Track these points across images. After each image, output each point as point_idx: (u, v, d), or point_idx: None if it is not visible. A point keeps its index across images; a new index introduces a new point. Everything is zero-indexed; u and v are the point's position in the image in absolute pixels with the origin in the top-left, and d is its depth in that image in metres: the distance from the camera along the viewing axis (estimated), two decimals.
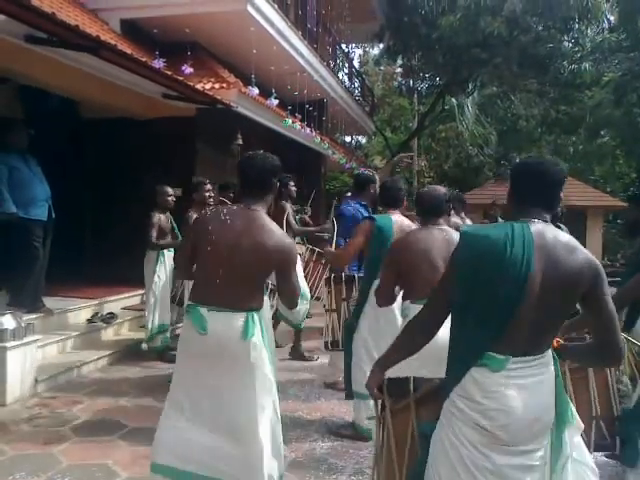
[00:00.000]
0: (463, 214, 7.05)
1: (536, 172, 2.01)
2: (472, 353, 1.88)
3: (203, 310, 2.67)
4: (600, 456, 3.28)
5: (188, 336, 2.76)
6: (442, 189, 3.56)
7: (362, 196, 5.31)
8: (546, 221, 1.98)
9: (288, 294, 2.87)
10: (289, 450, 3.93)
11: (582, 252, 1.92)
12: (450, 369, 1.95)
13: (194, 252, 2.76)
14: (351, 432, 4.24)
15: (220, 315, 2.66)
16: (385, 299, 3.43)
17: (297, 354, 6.34)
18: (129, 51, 6.33)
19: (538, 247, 1.87)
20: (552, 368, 1.97)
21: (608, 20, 15.21)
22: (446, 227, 3.45)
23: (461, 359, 1.91)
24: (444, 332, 2.02)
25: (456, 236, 3.34)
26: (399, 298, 3.43)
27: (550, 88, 16.59)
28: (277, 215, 6.16)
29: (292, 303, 2.94)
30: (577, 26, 14.25)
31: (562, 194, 2.04)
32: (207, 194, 5.67)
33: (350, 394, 4.21)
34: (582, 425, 2.10)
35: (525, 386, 1.86)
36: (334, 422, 4.53)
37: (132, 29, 8.44)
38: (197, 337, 2.68)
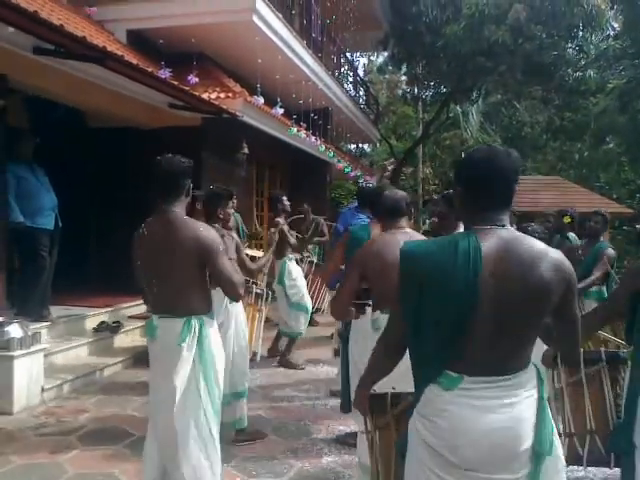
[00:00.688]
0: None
1: (485, 170, 1.79)
2: (426, 370, 1.81)
3: (155, 317, 2.83)
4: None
5: (148, 345, 2.94)
6: (401, 192, 3.42)
7: (366, 209, 5.32)
8: (503, 225, 1.79)
9: (224, 284, 2.82)
10: (295, 459, 3.94)
11: (549, 258, 1.75)
12: (414, 387, 1.88)
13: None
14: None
15: (163, 321, 2.80)
16: (338, 311, 3.24)
17: (285, 361, 6.37)
18: (135, 61, 6.39)
19: (489, 259, 1.72)
20: (530, 392, 1.79)
21: (612, 27, 15.23)
22: (409, 230, 3.30)
23: (418, 376, 1.85)
24: None
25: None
26: None
27: (555, 95, 16.60)
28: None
29: (234, 293, 2.87)
30: (581, 34, 14.27)
31: (516, 186, 1.83)
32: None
33: (346, 406, 3.99)
34: (563, 462, 1.89)
35: (484, 408, 1.73)
36: (340, 431, 4.52)
37: (138, 40, 8.50)
38: (150, 344, 2.88)
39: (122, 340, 6.62)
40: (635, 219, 20.63)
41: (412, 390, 1.91)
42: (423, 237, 3.37)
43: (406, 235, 3.12)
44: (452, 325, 1.73)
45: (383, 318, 3.00)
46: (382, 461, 2.13)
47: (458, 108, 19.93)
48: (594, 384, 2.87)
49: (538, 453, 1.77)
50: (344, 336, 3.97)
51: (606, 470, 3.52)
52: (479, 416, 1.72)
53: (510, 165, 1.79)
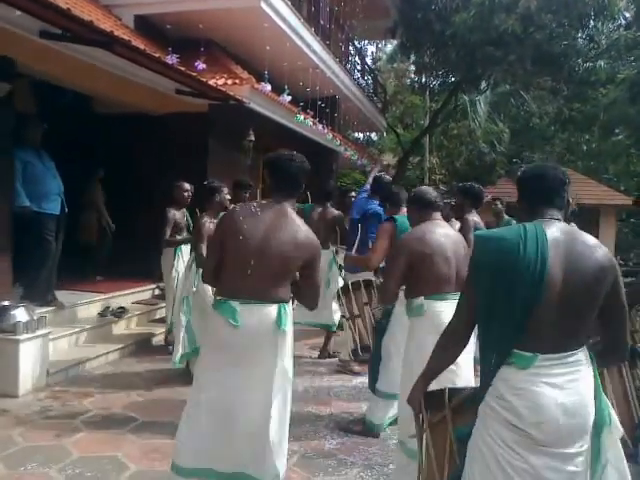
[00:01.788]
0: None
1: (540, 177, 2.09)
2: (499, 353, 1.91)
3: (235, 303, 2.69)
4: None
5: (217, 330, 2.76)
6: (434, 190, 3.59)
7: (378, 197, 5.37)
8: (559, 219, 2.00)
9: (312, 292, 2.87)
10: (298, 445, 3.96)
11: (603, 249, 1.95)
12: (482, 372, 1.98)
13: (222, 249, 2.76)
14: (361, 428, 4.24)
15: (253, 307, 2.69)
16: (394, 296, 3.39)
17: (326, 354, 6.37)
18: (142, 47, 6.36)
19: (554, 246, 1.89)
20: (589, 368, 1.96)
21: (624, 17, 15.04)
22: (444, 222, 3.46)
23: (490, 360, 1.94)
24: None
25: (454, 231, 3.42)
26: None
27: (564, 86, 16.43)
28: (335, 221, 6.34)
29: (314, 302, 2.92)
30: (593, 23, 14.10)
31: (569, 196, 2.09)
32: (227, 197, 5.28)
33: (373, 387, 4.14)
34: (621, 429, 2.07)
35: (556, 384, 1.86)
36: (343, 418, 4.54)
37: (145, 25, 8.48)
38: (229, 331, 2.68)
39: (127, 326, 6.66)
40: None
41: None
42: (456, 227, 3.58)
43: (442, 225, 3.33)
44: (523, 307, 1.86)
45: (428, 303, 3.15)
46: (436, 456, 2.15)
47: (466, 97, 19.79)
48: (615, 378, 2.88)
49: (598, 424, 1.96)
50: (382, 325, 4.05)
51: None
52: (554, 392, 1.85)
53: (556, 175, 2.08)
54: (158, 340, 6.49)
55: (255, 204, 2.81)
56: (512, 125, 21.67)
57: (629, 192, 21.11)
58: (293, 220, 2.76)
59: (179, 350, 5.13)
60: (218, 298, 2.80)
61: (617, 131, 21.26)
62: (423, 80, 18.87)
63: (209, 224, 4.83)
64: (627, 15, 15.37)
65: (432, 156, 23.71)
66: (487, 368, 1.95)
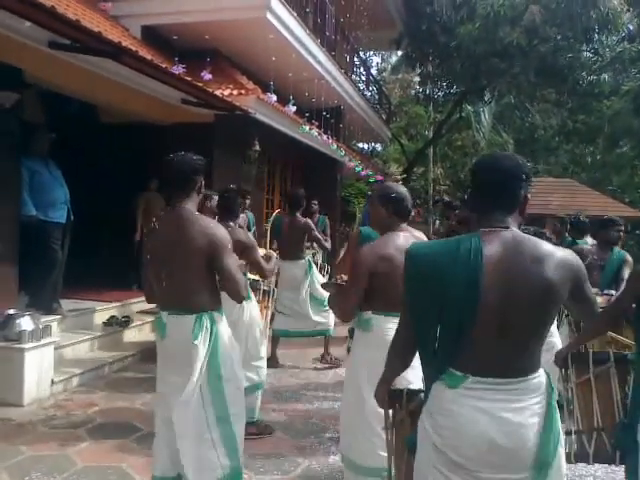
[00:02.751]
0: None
1: (489, 171, 1.88)
2: (433, 369, 1.84)
3: (164, 314, 2.81)
4: None
5: (156, 342, 2.93)
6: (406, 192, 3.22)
7: None
8: (506, 227, 1.81)
9: (228, 282, 2.80)
10: (302, 457, 3.95)
11: (555, 259, 1.76)
12: (424, 386, 1.92)
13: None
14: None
15: (174, 318, 2.78)
16: (347, 312, 3.09)
17: (325, 360, 6.38)
18: (149, 57, 6.40)
19: (491, 264, 1.74)
20: (538, 399, 1.78)
21: (628, 30, 15.09)
22: (411, 230, 3.19)
23: (426, 374, 1.89)
24: None
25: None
26: None
27: (568, 98, 16.49)
28: (305, 229, 6.29)
29: (236, 293, 2.84)
30: (597, 36, 14.16)
31: (525, 191, 1.86)
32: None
33: None
34: (564, 471, 1.89)
35: (485, 410, 1.73)
36: None
37: (152, 35, 8.53)
38: (159, 341, 2.87)
39: (132, 335, 6.66)
40: None
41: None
42: (424, 236, 3.33)
43: (409, 236, 3.05)
44: (455, 324, 1.75)
45: (376, 319, 2.98)
46: (395, 457, 2.18)
47: (470, 109, 19.85)
48: (602, 384, 2.90)
49: (542, 462, 1.77)
50: (351, 333, 3.98)
51: (607, 469, 3.66)
52: (480, 417, 1.73)
53: (513, 170, 1.84)
54: None
55: (156, 219, 2.87)
56: (516, 136, 21.72)
57: (634, 204, 21.08)
58: (186, 219, 2.74)
59: None
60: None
61: (621, 143, 21.27)
62: (427, 91, 18.94)
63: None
64: (631, 28, 15.42)
65: (436, 167, 23.75)
66: (425, 383, 1.90)
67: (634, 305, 2.64)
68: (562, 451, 1.87)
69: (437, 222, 16.40)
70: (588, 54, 15.31)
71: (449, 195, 21.39)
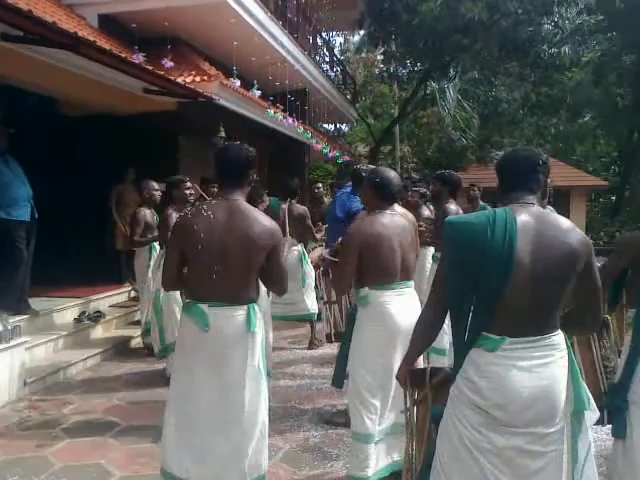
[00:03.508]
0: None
1: (511, 160, 2.16)
2: (469, 335, 1.95)
3: (204, 306, 2.67)
4: None
5: (188, 333, 2.74)
6: (398, 177, 3.47)
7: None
8: (532, 203, 2.03)
9: (279, 278, 2.83)
10: (283, 441, 3.97)
11: (577, 232, 1.97)
12: (455, 354, 2.03)
13: (183, 256, 2.73)
14: (345, 420, 4.25)
15: (222, 310, 2.67)
16: (343, 287, 3.43)
17: (315, 345, 6.41)
18: (108, 47, 6.26)
19: (523, 230, 1.91)
20: (563, 352, 1.99)
21: (586, 2, 15.23)
22: (399, 211, 3.44)
23: (461, 342, 1.99)
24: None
25: (406, 220, 3.37)
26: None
27: (530, 71, 16.63)
28: (299, 217, 6.35)
29: (283, 288, 2.89)
30: (556, 9, 14.28)
31: (544, 176, 2.12)
32: (187, 192, 5.44)
33: (339, 382, 4.14)
34: (598, 412, 2.15)
35: (525, 367, 1.89)
36: (327, 411, 4.56)
37: (110, 24, 8.34)
38: (198, 334, 2.67)
39: (104, 330, 6.59)
40: (610, 191, 20.97)
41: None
42: (412, 217, 3.51)
43: (393, 215, 3.28)
44: (492, 290, 1.90)
45: (372, 294, 3.19)
46: (417, 432, 2.27)
47: (435, 85, 19.88)
48: (583, 349, 2.97)
49: (577, 410, 2.02)
50: (352, 315, 4.02)
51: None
52: (521, 375, 1.89)
53: (533, 158, 2.12)
54: (137, 342, 6.43)
55: (205, 206, 2.74)
56: (481, 111, 21.82)
57: (597, 173, 21.48)
58: (246, 213, 2.70)
59: (157, 347, 5.34)
60: (187, 301, 2.79)
61: (583, 113, 21.58)
62: (392, 69, 18.89)
63: (174, 217, 4.92)
64: (589, 0, 15.57)
65: (403, 145, 23.81)
66: (458, 350, 2.00)
67: (630, 271, 2.78)
68: (591, 396, 2.14)
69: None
70: (548, 27, 15.41)
71: (417, 172, 21.50)
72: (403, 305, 3.24)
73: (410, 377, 2.28)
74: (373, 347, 3.20)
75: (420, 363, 2.56)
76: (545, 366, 1.92)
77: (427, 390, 2.22)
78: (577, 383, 2.05)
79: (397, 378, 2.34)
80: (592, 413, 2.12)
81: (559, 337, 1.99)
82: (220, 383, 2.68)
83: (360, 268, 3.19)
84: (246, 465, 2.69)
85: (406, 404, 2.33)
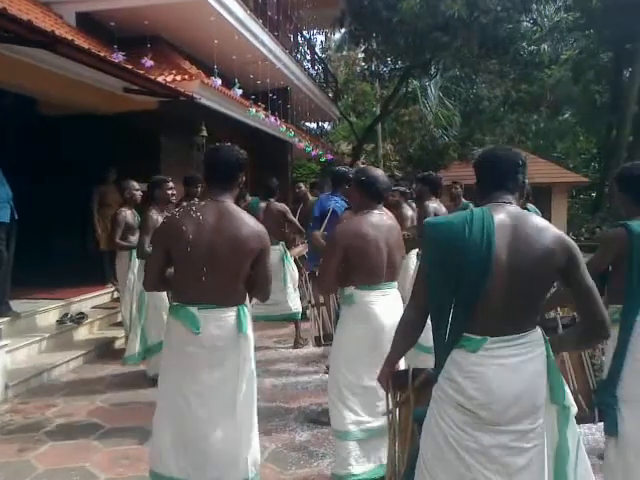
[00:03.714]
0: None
1: (491, 159, 2.15)
2: (450, 336, 1.95)
3: (193, 309, 2.62)
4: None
5: (176, 336, 2.70)
6: (387, 178, 3.45)
7: (340, 191, 5.30)
8: (510, 202, 2.03)
9: (264, 283, 2.81)
10: (269, 441, 3.95)
11: (552, 231, 1.96)
12: (436, 355, 2.02)
13: (168, 257, 2.68)
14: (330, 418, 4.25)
15: (212, 312, 2.64)
16: (327, 286, 3.40)
17: (300, 344, 6.39)
18: (86, 45, 6.20)
19: (501, 229, 1.92)
20: (542, 349, 2.00)
21: (564, 0, 15.40)
22: (385, 211, 3.41)
23: (442, 344, 1.98)
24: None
25: (392, 220, 3.37)
26: None
27: (510, 69, 16.78)
28: (278, 215, 6.36)
29: (267, 293, 2.87)
30: (535, 7, 14.41)
31: (523, 176, 2.11)
32: (170, 192, 5.37)
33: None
34: (575, 407, 2.15)
35: (507, 365, 1.90)
36: (312, 410, 4.56)
37: (88, 22, 8.25)
38: (189, 337, 2.63)
39: (87, 331, 6.52)
40: (591, 188, 21.20)
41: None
42: (393, 218, 3.48)
43: (379, 214, 3.27)
44: (471, 290, 1.90)
45: (357, 294, 3.19)
46: (400, 434, 2.26)
47: (416, 83, 19.97)
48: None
49: (555, 402, 2.05)
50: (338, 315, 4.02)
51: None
52: (505, 374, 1.90)
53: (512, 158, 2.11)
54: (120, 344, 6.37)
55: (194, 207, 2.68)
56: (463, 108, 21.96)
57: (577, 169, 21.70)
58: (235, 216, 2.67)
59: (134, 348, 5.22)
60: (174, 303, 2.74)
61: (563, 110, 21.81)
62: (373, 67, 18.94)
63: (156, 217, 4.94)
64: None
65: (386, 143, 23.89)
66: (440, 351, 2.00)
67: (610, 268, 2.84)
68: (568, 391, 2.17)
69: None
70: (527, 24, 15.58)
71: (399, 170, 21.58)
72: (387, 305, 3.24)
73: (392, 379, 2.27)
74: (356, 346, 3.20)
75: (402, 365, 2.54)
76: (528, 362, 1.93)
77: (409, 392, 2.21)
78: (553, 376, 2.06)
79: (379, 380, 2.32)
80: (568, 407, 2.13)
81: (537, 333, 2.00)
82: (212, 384, 2.66)
83: (346, 267, 3.19)
84: (248, 461, 2.70)
85: (388, 406, 2.32)
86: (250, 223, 2.68)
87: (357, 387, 3.20)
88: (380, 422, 3.20)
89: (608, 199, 18.81)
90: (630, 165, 3.00)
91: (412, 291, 2.17)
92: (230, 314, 2.67)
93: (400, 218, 5.35)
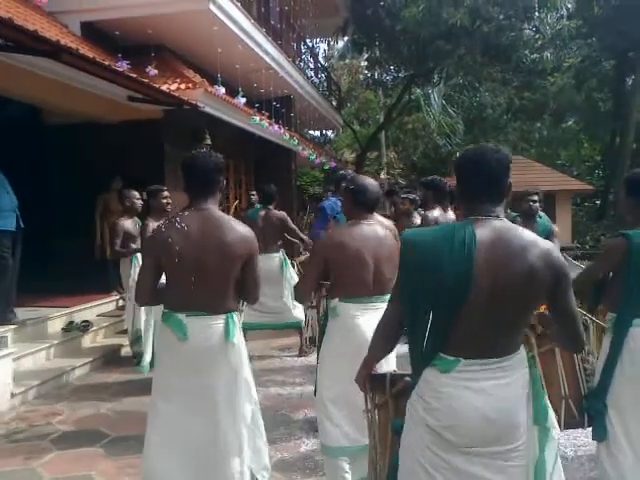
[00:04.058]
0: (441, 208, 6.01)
1: (476, 161, 1.91)
2: (424, 355, 1.88)
3: (181, 316, 2.64)
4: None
5: (167, 344, 2.72)
6: (378, 186, 3.38)
7: (339, 193, 5.34)
8: (497, 216, 1.88)
9: (253, 286, 2.80)
10: (274, 450, 3.92)
11: (539, 248, 1.82)
12: (412, 370, 1.96)
13: (157, 270, 2.70)
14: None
15: (200, 319, 2.65)
16: (305, 293, 3.30)
17: (305, 352, 6.32)
18: (91, 54, 6.22)
19: (483, 248, 1.80)
20: (523, 372, 1.90)
21: (567, 8, 15.45)
22: (377, 221, 3.32)
23: (417, 357, 1.91)
24: None
25: (385, 231, 3.23)
26: None
27: (513, 76, 16.82)
28: (277, 222, 6.28)
29: (255, 297, 2.87)
30: (537, 15, 14.46)
31: (509, 180, 1.93)
32: (165, 201, 5.40)
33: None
34: (557, 433, 2.10)
35: (480, 389, 1.81)
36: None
37: (93, 32, 8.29)
38: (177, 344, 2.64)
39: (92, 339, 6.52)
40: (595, 195, 21.19)
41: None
42: (392, 226, 3.42)
43: (371, 227, 3.15)
44: (448, 309, 1.80)
45: (342, 306, 3.10)
46: (380, 438, 2.22)
47: (420, 91, 20.03)
48: (564, 353, 2.99)
49: (539, 425, 1.98)
50: (323, 326, 3.98)
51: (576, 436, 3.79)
52: (474, 397, 1.81)
53: (500, 161, 1.90)
54: (126, 351, 6.37)
55: (179, 218, 2.68)
56: (466, 116, 22.01)
57: (581, 177, 21.69)
58: (221, 222, 2.67)
59: (147, 357, 5.21)
60: (165, 310, 2.74)
61: (566, 118, 21.84)
62: (376, 76, 19.01)
63: (152, 226, 4.90)
64: (569, 6, 15.80)
65: (389, 151, 23.92)
66: (415, 364, 1.93)
67: (610, 275, 2.82)
68: (551, 411, 2.10)
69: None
70: (530, 32, 15.62)
71: (403, 178, 21.60)
72: (372, 320, 2.95)
73: (369, 381, 2.22)
74: (340, 360, 3.06)
75: (382, 367, 2.48)
76: (504, 386, 1.83)
77: (387, 397, 2.19)
78: (537, 401, 1.98)
79: (356, 381, 2.26)
80: (553, 429, 2.08)
81: (519, 356, 1.89)
82: (198, 391, 2.66)
83: (332, 279, 3.14)
84: (237, 469, 2.68)
85: (367, 406, 2.28)
86: (236, 228, 2.68)
87: (342, 402, 3.07)
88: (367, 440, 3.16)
89: (613, 206, 18.78)
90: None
91: (391, 294, 2.13)
92: (219, 322, 2.67)
93: (409, 228, 5.32)
